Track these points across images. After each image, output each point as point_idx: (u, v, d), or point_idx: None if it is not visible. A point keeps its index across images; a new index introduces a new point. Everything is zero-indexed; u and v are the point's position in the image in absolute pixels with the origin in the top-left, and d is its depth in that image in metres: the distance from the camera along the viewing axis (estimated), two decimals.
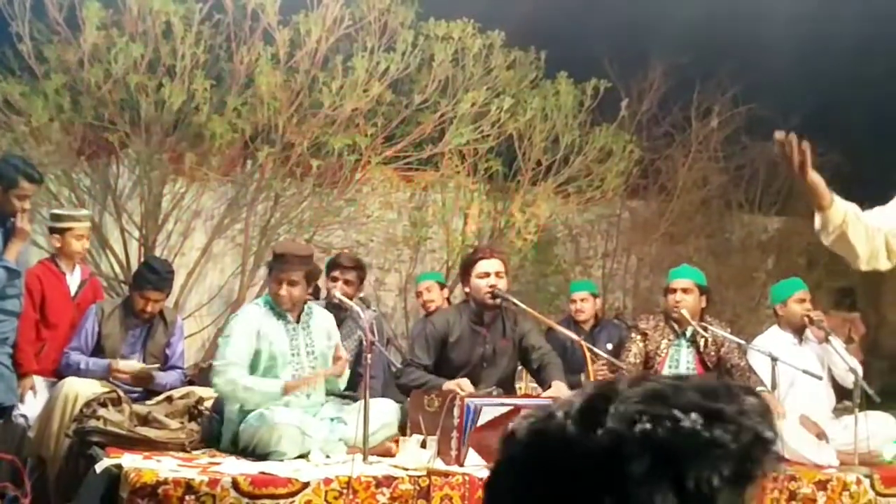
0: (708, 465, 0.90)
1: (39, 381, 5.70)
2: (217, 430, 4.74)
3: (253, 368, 4.69)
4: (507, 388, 5.23)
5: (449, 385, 4.83)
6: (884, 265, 3.22)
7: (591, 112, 8.25)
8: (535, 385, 5.56)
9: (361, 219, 8.12)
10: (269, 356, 4.70)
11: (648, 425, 0.91)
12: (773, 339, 5.85)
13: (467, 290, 5.27)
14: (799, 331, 5.90)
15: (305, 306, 4.85)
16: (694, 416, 0.92)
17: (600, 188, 8.49)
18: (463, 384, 4.83)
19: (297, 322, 4.81)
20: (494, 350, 5.21)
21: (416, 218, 8.55)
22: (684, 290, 5.56)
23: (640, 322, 5.75)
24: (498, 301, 5.16)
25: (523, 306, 5.30)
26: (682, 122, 9.22)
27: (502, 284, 5.15)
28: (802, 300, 5.91)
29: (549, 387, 5.02)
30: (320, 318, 4.92)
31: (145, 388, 5.35)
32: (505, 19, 7.79)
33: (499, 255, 5.30)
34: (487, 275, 5.14)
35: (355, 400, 4.87)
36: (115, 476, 3.88)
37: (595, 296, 7.05)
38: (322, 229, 7.92)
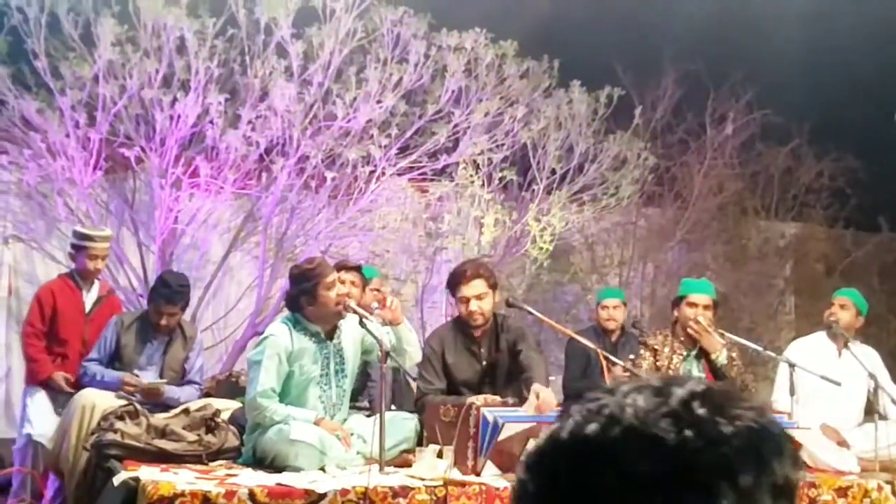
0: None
1: (45, 398, 5.74)
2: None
3: (285, 392, 4.67)
4: (517, 393, 5.19)
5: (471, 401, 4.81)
6: None
7: (605, 120, 8.24)
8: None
9: (377, 230, 8.13)
10: (301, 378, 4.69)
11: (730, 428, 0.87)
12: (812, 343, 5.89)
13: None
14: (840, 338, 5.90)
15: (339, 322, 4.82)
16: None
17: (615, 196, 8.47)
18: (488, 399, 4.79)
19: (330, 340, 4.78)
20: (493, 364, 5.18)
21: (432, 228, 8.55)
22: (706, 307, 5.55)
23: (648, 339, 5.73)
24: (481, 321, 5.10)
25: (538, 315, 5.28)
26: (697, 128, 9.20)
27: (486, 305, 5.09)
28: (831, 304, 5.97)
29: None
30: (351, 332, 4.89)
31: (156, 402, 5.35)
32: (518, 29, 7.80)
33: (480, 275, 5.14)
34: (467, 301, 5.07)
35: (374, 411, 4.86)
36: (132, 489, 3.90)
37: (624, 304, 7.07)
38: (338, 241, 7.94)
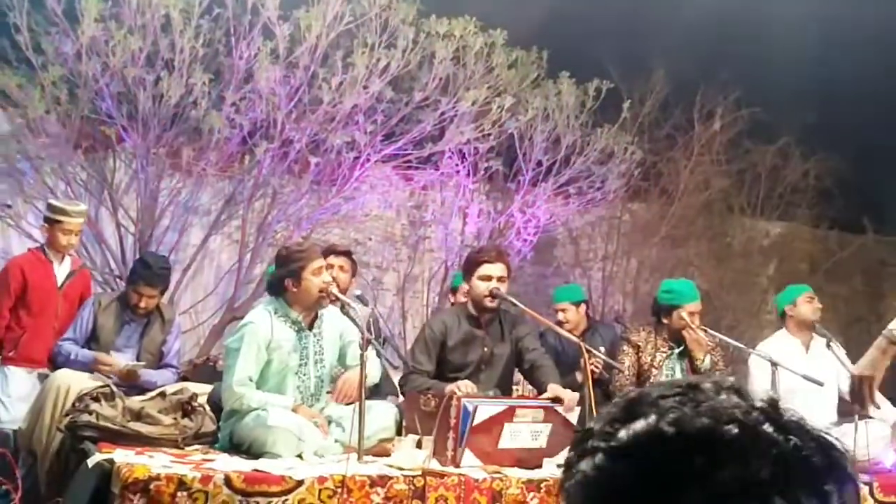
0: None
1: (25, 373, 5.67)
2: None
3: (262, 380, 4.60)
4: (505, 390, 5.19)
5: (451, 388, 4.77)
6: None
7: (592, 113, 8.19)
8: (533, 389, 5.50)
9: (360, 217, 8.06)
10: (279, 367, 4.61)
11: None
12: (780, 343, 5.80)
13: (467, 288, 5.21)
14: (807, 334, 5.84)
15: (320, 311, 4.75)
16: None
17: (601, 190, 8.43)
18: (462, 386, 4.77)
19: (310, 329, 4.71)
20: (492, 353, 5.15)
21: (415, 217, 8.49)
22: (700, 314, 5.53)
23: (631, 335, 5.66)
24: (496, 304, 5.10)
25: (522, 307, 5.24)
26: (685, 124, 9.16)
27: (503, 289, 5.10)
28: (812, 299, 5.89)
29: (545, 390, 4.95)
30: (332, 323, 4.81)
31: (133, 385, 5.27)
32: (507, 18, 7.73)
33: (504, 259, 5.22)
34: (490, 278, 5.07)
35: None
36: (106, 471, 3.82)
37: (577, 303, 6.46)
38: (320, 227, 7.87)
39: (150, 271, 5.56)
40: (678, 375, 5.48)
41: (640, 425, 0.87)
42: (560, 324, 6.33)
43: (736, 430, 0.84)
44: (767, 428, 0.85)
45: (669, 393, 0.88)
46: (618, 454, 0.87)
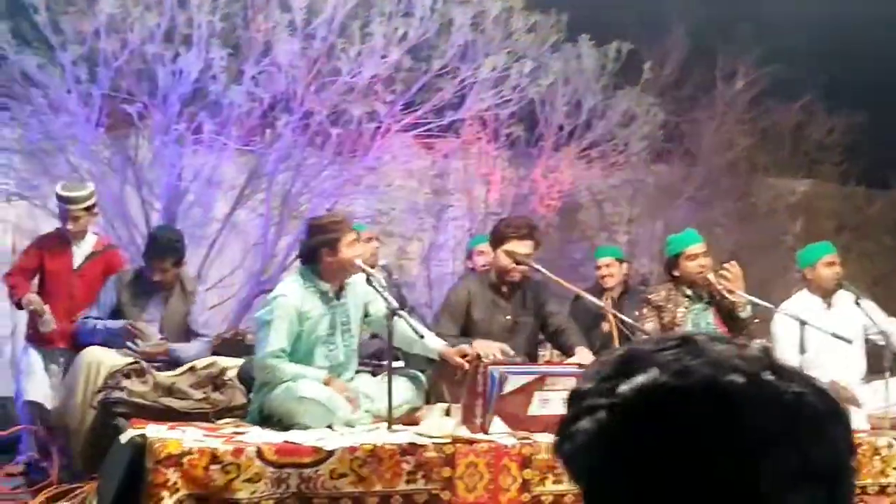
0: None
1: (40, 352, 5.76)
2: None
3: (292, 352, 4.60)
4: (532, 357, 5.19)
5: (479, 344, 4.77)
6: None
7: (613, 75, 8.12)
8: (559, 353, 5.51)
9: (382, 187, 8.05)
10: (310, 337, 4.62)
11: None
12: (802, 303, 5.76)
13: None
14: (828, 295, 5.80)
15: (345, 281, 4.75)
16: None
17: (624, 153, 8.38)
18: (495, 348, 4.76)
19: (338, 298, 4.71)
20: (516, 321, 5.15)
21: (438, 186, 8.47)
22: (705, 254, 5.47)
23: (651, 296, 5.60)
24: (518, 278, 5.08)
25: (549, 274, 5.22)
26: (706, 84, 9.06)
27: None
28: (832, 263, 5.82)
29: (572, 353, 4.95)
30: (357, 291, 4.81)
31: (165, 361, 5.32)
32: None
33: (534, 235, 5.16)
34: (515, 254, 5.06)
35: (382, 370, 4.80)
36: (139, 446, 3.87)
37: (621, 261, 6.94)
38: (344, 198, 7.87)
39: (157, 244, 5.65)
40: (703, 329, 5.42)
41: (641, 379, 0.83)
42: (603, 277, 6.81)
43: (742, 380, 0.81)
44: (769, 376, 0.82)
45: (664, 346, 0.86)
46: (624, 409, 0.83)
